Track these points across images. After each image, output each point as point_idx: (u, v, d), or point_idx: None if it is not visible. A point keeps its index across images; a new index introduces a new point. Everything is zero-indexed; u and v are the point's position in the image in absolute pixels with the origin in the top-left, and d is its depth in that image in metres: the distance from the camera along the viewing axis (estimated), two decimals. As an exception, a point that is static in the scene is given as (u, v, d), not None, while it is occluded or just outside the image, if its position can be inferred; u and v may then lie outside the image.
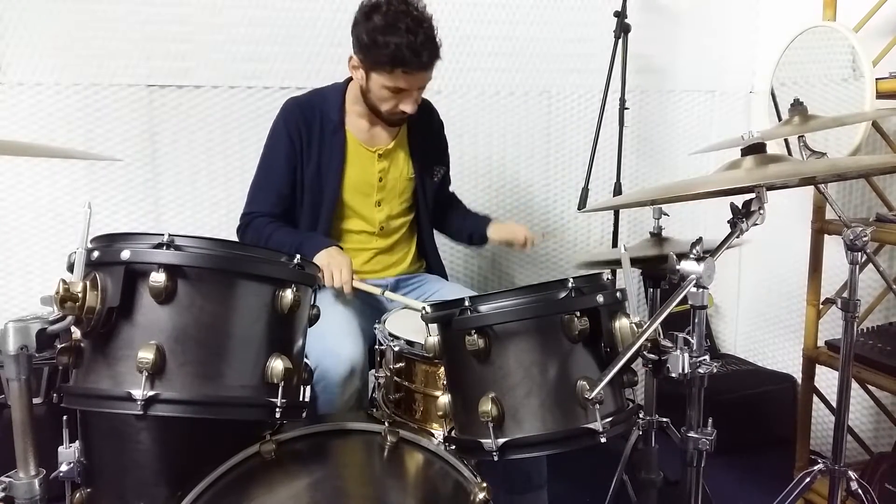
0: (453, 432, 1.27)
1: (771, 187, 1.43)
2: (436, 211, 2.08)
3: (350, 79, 1.93)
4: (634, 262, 1.70)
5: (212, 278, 1.09)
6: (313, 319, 1.29)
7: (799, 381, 2.26)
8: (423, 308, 1.27)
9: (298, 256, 1.19)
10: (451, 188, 2.20)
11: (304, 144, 1.86)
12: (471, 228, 2.08)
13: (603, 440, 1.12)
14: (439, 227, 2.15)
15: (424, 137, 2.01)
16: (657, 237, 1.77)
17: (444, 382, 1.31)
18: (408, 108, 1.80)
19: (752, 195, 1.17)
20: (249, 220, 1.86)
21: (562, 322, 1.13)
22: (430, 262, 2.09)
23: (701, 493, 1.20)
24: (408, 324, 1.56)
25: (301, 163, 1.86)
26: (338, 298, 1.77)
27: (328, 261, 1.70)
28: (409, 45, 1.67)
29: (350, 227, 1.93)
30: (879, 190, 2.14)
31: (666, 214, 1.78)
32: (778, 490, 1.69)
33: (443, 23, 1.75)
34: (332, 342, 1.55)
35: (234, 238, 1.89)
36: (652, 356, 1.16)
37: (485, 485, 1.17)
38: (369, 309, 1.87)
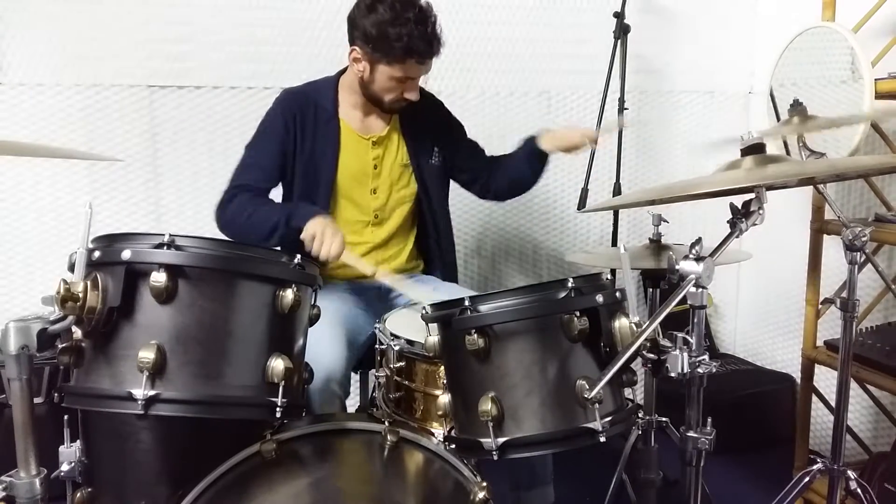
0: (453, 432, 1.27)
1: (770, 187, 1.43)
2: (495, 175, 2.03)
3: (341, 71, 1.93)
4: (633, 269, 1.71)
5: (212, 278, 1.09)
6: (314, 319, 1.30)
7: (798, 380, 2.26)
8: (424, 307, 1.27)
9: (299, 256, 1.19)
10: (450, 189, 2.14)
11: (298, 133, 1.86)
12: (522, 156, 1.98)
13: (602, 440, 1.12)
14: (501, 190, 2.07)
15: (418, 121, 1.97)
16: (656, 243, 1.77)
17: (444, 382, 1.32)
18: (412, 95, 1.82)
19: (752, 195, 1.17)
20: (232, 196, 1.79)
21: (561, 322, 1.13)
22: (429, 263, 2.06)
23: (700, 492, 1.20)
24: (408, 323, 1.57)
25: (294, 151, 1.86)
26: (329, 300, 1.71)
27: (321, 229, 1.59)
28: (422, 36, 1.70)
29: (344, 216, 1.91)
30: (878, 190, 2.15)
31: (666, 221, 1.78)
32: (777, 490, 1.69)
33: (442, 23, 1.76)
34: (311, 350, 1.40)
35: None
36: (651, 356, 1.16)
37: (485, 484, 1.17)
38: (363, 311, 1.84)
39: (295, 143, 1.86)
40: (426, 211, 2.01)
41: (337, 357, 1.60)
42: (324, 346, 1.59)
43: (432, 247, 2.04)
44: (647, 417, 1.76)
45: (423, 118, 2.00)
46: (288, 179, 1.89)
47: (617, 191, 2.45)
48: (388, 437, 1.28)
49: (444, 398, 1.30)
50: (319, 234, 1.58)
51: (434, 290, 1.92)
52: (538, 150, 1.92)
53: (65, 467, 1.23)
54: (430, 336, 1.26)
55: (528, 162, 1.96)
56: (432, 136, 2.01)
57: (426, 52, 1.74)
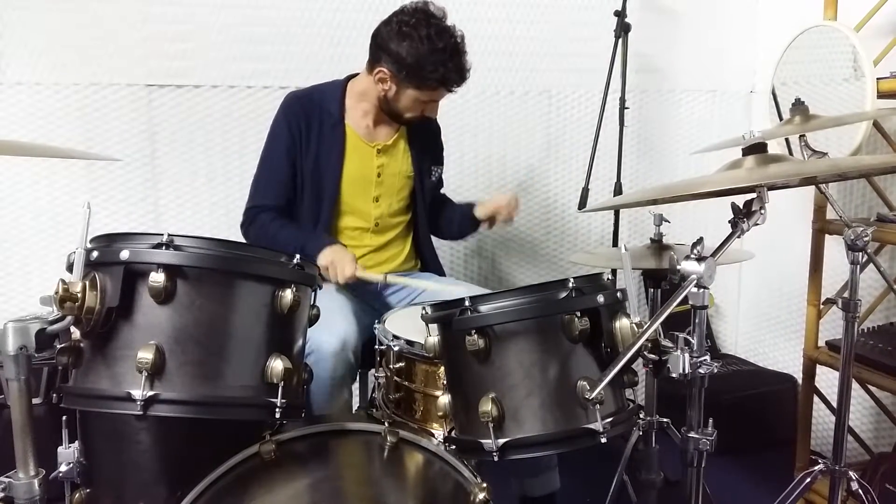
0: (453, 432, 1.27)
1: (772, 187, 1.42)
2: (431, 212, 2.09)
3: (350, 77, 1.94)
4: (634, 269, 1.70)
5: (211, 278, 1.09)
6: (313, 319, 1.30)
7: (799, 381, 2.25)
8: (424, 308, 1.27)
9: (298, 256, 1.19)
10: (450, 189, 2.21)
11: (303, 138, 1.87)
12: (459, 215, 2.09)
13: (603, 440, 1.12)
14: (434, 230, 2.15)
15: (424, 137, 2.02)
16: (658, 243, 1.77)
17: (445, 382, 1.31)
18: (434, 114, 1.90)
19: (753, 195, 1.16)
20: (253, 216, 1.87)
21: (562, 322, 1.13)
22: (426, 262, 2.09)
23: (701, 493, 1.20)
24: (408, 324, 1.56)
25: (300, 156, 1.87)
26: (329, 291, 1.76)
27: (332, 258, 1.71)
28: (457, 69, 1.78)
29: (345, 223, 1.93)
30: (880, 190, 2.14)
31: (667, 221, 1.78)
32: (778, 490, 1.69)
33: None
34: (325, 315, 1.49)
35: (234, 237, 1.88)
36: (652, 356, 1.15)
37: (485, 485, 1.17)
38: (366, 302, 1.88)
39: (300, 148, 1.87)
40: (420, 218, 2.05)
41: (350, 326, 1.65)
42: (337, 317, 1.65)
43: (423, 248, 2.08)
44: (648, 418, 1.76)
45: (430, 135, 2.06)
46: (297, 185, 1.90)
47: (618, 190, 2.44)
48: (388, 438, 1.28)
49: (444, 399, 1.29)
50: (331, 264, 1.70)
51: (438, 281, 1.96)
52: (471, 216, 2.03)
53: (63, 468, 1.23)
54: (430, 336, 1.26)
55: (460, 225, 2.09)
56: (433, 154, 2.08)
57: (459, 82, 1.81)
